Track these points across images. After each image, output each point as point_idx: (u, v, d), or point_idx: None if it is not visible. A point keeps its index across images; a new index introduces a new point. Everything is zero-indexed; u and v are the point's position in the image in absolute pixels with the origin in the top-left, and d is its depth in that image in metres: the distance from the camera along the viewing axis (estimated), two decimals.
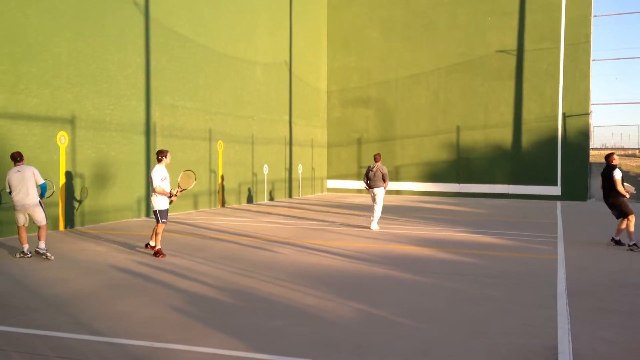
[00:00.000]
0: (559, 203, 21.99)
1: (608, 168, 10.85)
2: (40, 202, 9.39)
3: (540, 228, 13.95)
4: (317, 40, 26.77)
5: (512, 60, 24.35)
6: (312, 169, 26.18)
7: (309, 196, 25.20)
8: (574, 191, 23.32)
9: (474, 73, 24.89)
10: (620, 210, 10.62)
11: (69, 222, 12.91)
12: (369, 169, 13.57)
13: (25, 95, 11.78)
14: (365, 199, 23.74)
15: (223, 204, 19.13)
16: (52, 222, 12.44)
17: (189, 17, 17.22)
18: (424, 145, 25.64)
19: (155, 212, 9.46)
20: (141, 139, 15.15)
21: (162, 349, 4.95)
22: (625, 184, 10.99)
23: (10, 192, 9.28)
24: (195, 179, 9.97)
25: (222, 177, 19.10)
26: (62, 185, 12.66)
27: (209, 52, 18.12)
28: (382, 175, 13.35)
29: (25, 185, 9.22)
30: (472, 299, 6.80)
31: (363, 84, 26.93)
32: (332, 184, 27.77)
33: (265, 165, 21.79)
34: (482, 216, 16.93)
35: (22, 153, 9.61)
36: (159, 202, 9.41)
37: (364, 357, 4.82)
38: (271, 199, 22.29)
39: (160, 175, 9.32)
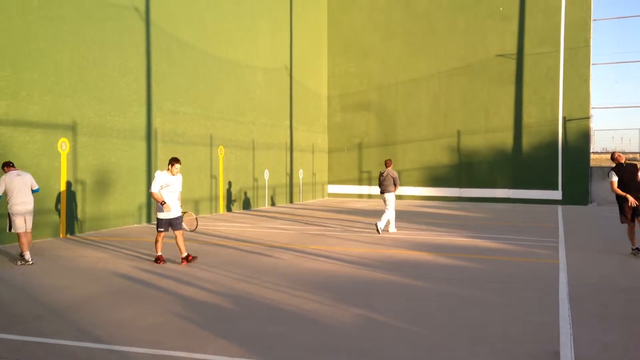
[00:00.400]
0: (559, 207, 21.97)
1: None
2: None
3: (541, 233, 13.93)
4: (317, 45, 26.83)
5: (512, 65, 24.38)
6: (313, 174, 26.20)
7: (310, 201, 25.20)
8: (575, 195, 23.30)
9: (474, 77, 24.92)
10: None
11: (70, 229, 12.92)
12: (380, 175, 13.96)
13: (27, 102, 11.81)
14: (366, 204, 23.74)
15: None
16: (53, 229, 12.45)
17: (190, 22, 17.28)
18: (424, 149, 25.65)
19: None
20: (142, 145, 15.17)
21: (163, 356, 4.95)
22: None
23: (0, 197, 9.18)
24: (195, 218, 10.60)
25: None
26: (63, 192, 12.67)
27: (209, 58, 18.17)
28: (393, 179, 13.66)
29: (27, 189, 9.22)
30: (474, 303, 6.79)
31: (363, 88, 26.97)
32: (333, 189, 27.77)
33: (266, 171, 21.80)
34: (483, 221, 16.91)
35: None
36: (158, 210, 9.34)
37: None
38: (272, 204, 22.29)
39: (161, 181, 9.21)
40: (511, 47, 24.39)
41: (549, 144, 23.72)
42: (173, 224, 9.37)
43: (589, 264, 9.62)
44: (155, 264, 9.34)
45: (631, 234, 10.34)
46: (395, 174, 13.81)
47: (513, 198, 24.21)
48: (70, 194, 12.89)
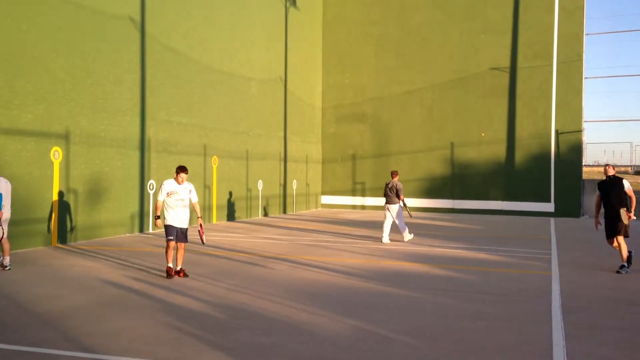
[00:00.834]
0: (552, 220, 22.04)
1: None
2: None
3: (534, 244, 13.97)
4: (312, 56, 26.95)
5: (506, 78, 24.56)
6: (307, 184, 26.19)
7: (304, 212, 25.17)
8: (567, 208, 23.40)
9: (467, 90, 25.08)
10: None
11: (62, 238, 12.83)
12: (385, 186, 14.24)
13: (20, 111, 11.77)
14: (360, 215, 23.74)
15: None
16: (45, 238, 12.37)
17: (185, 33, 17.31)
18: (418, 161, 25.72)
19: None
20: (136, 155, 15.13)
21: None
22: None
23: None
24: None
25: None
26: (56, 200, 12.60)
27: (204, 68, 18.20)
28: (397, 191, 13.93)
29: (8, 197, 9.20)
30: (467, 315, 6.78)
31: (358, 100, 27.07)
32: (326, 199, 27.76)
33: (260, 181, 21.79)
34: (477, 232, 16.94)
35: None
36: (165, 216, 8.97)
37: None
38: (265, 214, 22.25)
39: (167, 188, 8.92)
40: (504, 60, 24.58)
41: (542, 156, 23.85)
42: (179, 234, 9.00)
43: (582, 276, 9.64)
44: (166, 278, 8.74)
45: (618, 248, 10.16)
46: (400, 186, 14.09)
47: (506, 210, 24.28)
48: (63, 203, 12.82)
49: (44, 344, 5.49)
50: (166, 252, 8.98)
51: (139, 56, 15.25)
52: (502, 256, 11.86)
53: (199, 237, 9.45)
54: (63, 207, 12.82)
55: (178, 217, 8.96)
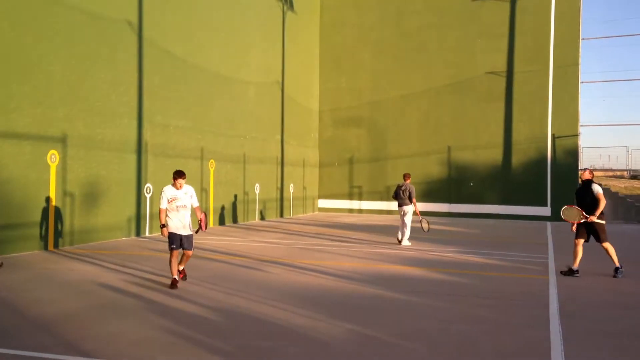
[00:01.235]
0: (549, 224, 22.08)
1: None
2: None
3: (531, 248, 13.99)
4: (309, 60, 26.98)
5: (502, 82, 24.64)
6: (304, 188, 26.18)
7: (301, 216, 25.15)
8: None
9: (464, 94, 25.14)
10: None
11: (58, 241, 12.78)
12: (398, 188, 14.31)
13: (17, 114, 11.74)
14: (356, 218, 23.73)
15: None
16: (41, 242, 12.32)
17: (182, 36, 17.31)
18: (415, 165, 25.73)
19: None
20: (132, 158, 15.11)
21: None
22: None
23: None
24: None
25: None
26: (52, 204, 12.56)
27: (201, 72, 18.20)
28: (409, 194, 14.05)
29: None
30: (465, 319, 6.78)
31: (355, 104, 27.11)
32: (323, 203, 27.76)
33: (257, 185, 21.77)
34: (473, 236, 16.95)
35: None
36: (168, 223, 8.67)
37: None
38: (262, 218, 22.22)
39: (167, 195, 8.61)
40: (501, 64, 24.66)
41: (538, 160, 23.92)
42: (183, 242, 8.65)
43: (579, 280, 9.65)
44: (169, 289, 8.34)
45: (576, 253, 10.05)
46: (413, 189, 14.22)
47: (502, 214, 24.32)
48: (59, 207, 12.78)
49: (40, 348, 5.46)
50: (170, 260, 8.57)
51: (136, 59, 15.23)
52: (499, 260, 11.86)
53: (199, 229, 8.95)
54: (59, 210, 12.78)
55: (181, 224, 8.61)
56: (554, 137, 23.82)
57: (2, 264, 9.25)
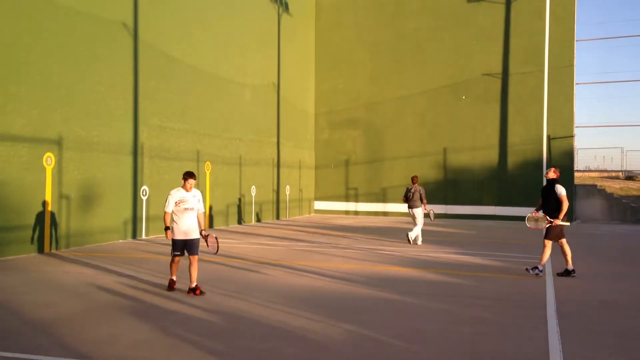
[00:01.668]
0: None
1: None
2: None
3: (527, 249, 14.01)
4: (305, 62, 26.99)
5: (498, 84, 24.71)
6: (300, 190, 26.17)
7: (297, 217, 25.14)
8: None
9: (460, 95, 25.20)
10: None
11: (54, 244, 12.73)
12: (407, 191, 14.69)
13: (13, 116, 11.69)
14: (353, 220, 23.73)
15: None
16: (37, 245, 12.27)
17: (179, 38, 17.30)
18: (411, 166, 25.74)
19: None
20: (129, 160, 15.07)
21: None
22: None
23: None
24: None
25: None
26: (48, 207, 12.51)
27: (197, 74, 18.18)
28: (420, 195, 14.44)
29: None
30: (463, 320, 6.78)
31: (351, 105, 27.12)
32: (319, 205, 27.75)
33: (253, 187, 21.75)
34: (470, 237, 16.97)
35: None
36: (173, 227, 8.36)
37: None
38: (259, 220, 22.20)
39: (175, 198, 8.30)
40: (496, 66, 24.73)
41: (534, 162, 23.98)
42: (189, 247, 8.32)
43: (576, 280, 9.67)
44: (166, 291, 8.29)
45: (544, 253, 9.96)
46: (423, 191, 14.64)
47: (499, 215, 24.37)
48: (55, 209, 12.73)
49: (38, 350, 5.44)
50: (171, 264, 8.42)
51: (132, 61, 15.21)
52: (496, 261, 11.88)
53: (210, 245, 8.52)
54: (55, 213, 12.73)
55: (186, 228, 8.31)
56: (549, 139, 23.89)
57: None
